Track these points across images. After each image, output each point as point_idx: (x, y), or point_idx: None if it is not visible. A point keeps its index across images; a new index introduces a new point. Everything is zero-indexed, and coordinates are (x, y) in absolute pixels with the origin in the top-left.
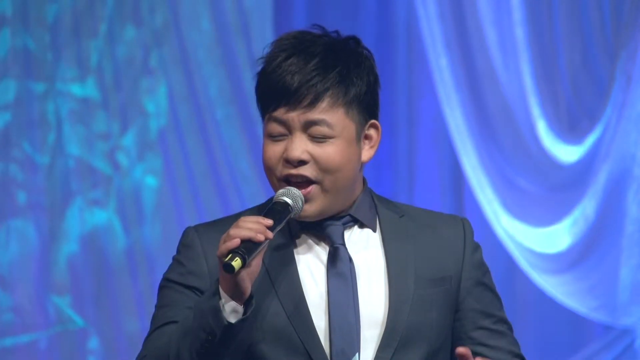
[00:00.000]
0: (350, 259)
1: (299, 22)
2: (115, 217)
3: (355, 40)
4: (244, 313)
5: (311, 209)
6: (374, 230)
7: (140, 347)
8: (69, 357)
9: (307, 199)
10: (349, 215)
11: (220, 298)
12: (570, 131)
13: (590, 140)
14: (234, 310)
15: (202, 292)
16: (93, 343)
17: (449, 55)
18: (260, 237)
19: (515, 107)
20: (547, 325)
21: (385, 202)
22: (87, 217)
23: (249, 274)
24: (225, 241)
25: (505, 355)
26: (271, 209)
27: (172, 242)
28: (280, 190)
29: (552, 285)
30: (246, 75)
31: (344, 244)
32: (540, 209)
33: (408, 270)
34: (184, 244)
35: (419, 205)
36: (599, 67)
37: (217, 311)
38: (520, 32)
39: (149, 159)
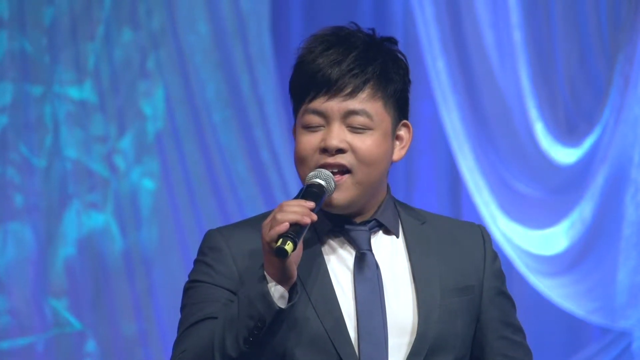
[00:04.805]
0: (377, 266)
1: (296, 26)
2: (112, 220)
3: (392, 41)
4: (290, 299)
5: (340, 197)
6: (397, 236)
7: (136, 350)
8: None
9: (338, 187)
10: (375, 219)
11: (268, 283)
12: (567, 133)
13: (587, 142)
14: (282, 296)
15: (233, 294)
16: (90, 346)
17: (446, 58)
18: (307, 220)
19: (512, 110)
20: (545, 328)
21: (406, 207)
22: (84, 220)
23: (295, 258)
24: (272, 226)
25: None
26: (307, 191)
27: (169, 244)
28: (311, 173)
29: (550, 288)
30: (243, 78)
31: (370, 250)
32: (537, 211)
33: (434, 279)
34: (210, 247)
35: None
36: (596, 69)
37: (267, 296)
38: (517, 35)
39: (146, 162)
